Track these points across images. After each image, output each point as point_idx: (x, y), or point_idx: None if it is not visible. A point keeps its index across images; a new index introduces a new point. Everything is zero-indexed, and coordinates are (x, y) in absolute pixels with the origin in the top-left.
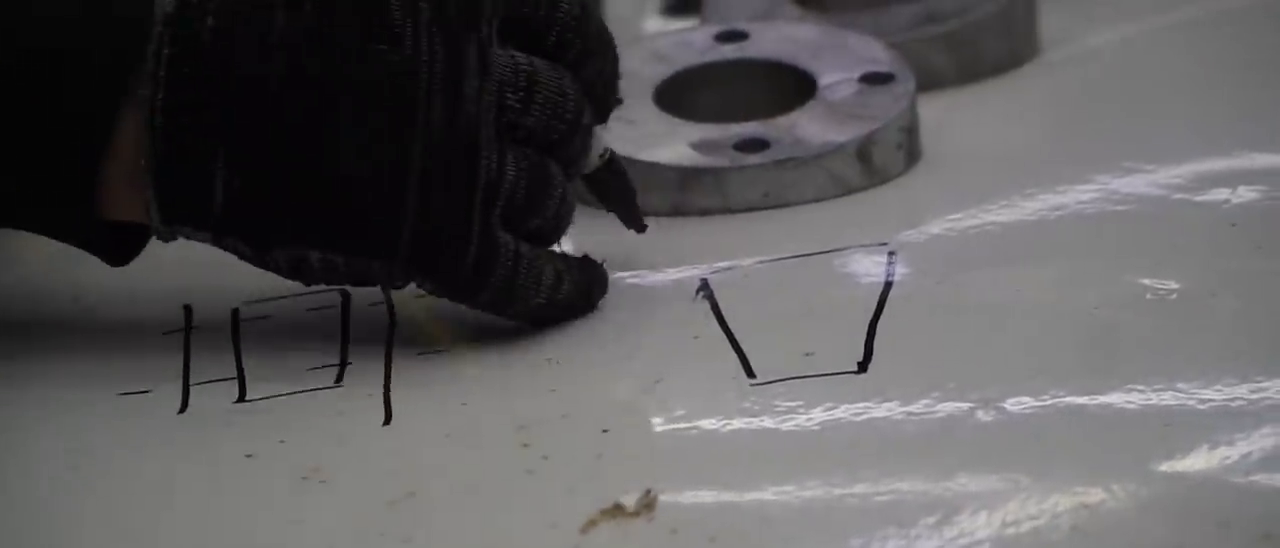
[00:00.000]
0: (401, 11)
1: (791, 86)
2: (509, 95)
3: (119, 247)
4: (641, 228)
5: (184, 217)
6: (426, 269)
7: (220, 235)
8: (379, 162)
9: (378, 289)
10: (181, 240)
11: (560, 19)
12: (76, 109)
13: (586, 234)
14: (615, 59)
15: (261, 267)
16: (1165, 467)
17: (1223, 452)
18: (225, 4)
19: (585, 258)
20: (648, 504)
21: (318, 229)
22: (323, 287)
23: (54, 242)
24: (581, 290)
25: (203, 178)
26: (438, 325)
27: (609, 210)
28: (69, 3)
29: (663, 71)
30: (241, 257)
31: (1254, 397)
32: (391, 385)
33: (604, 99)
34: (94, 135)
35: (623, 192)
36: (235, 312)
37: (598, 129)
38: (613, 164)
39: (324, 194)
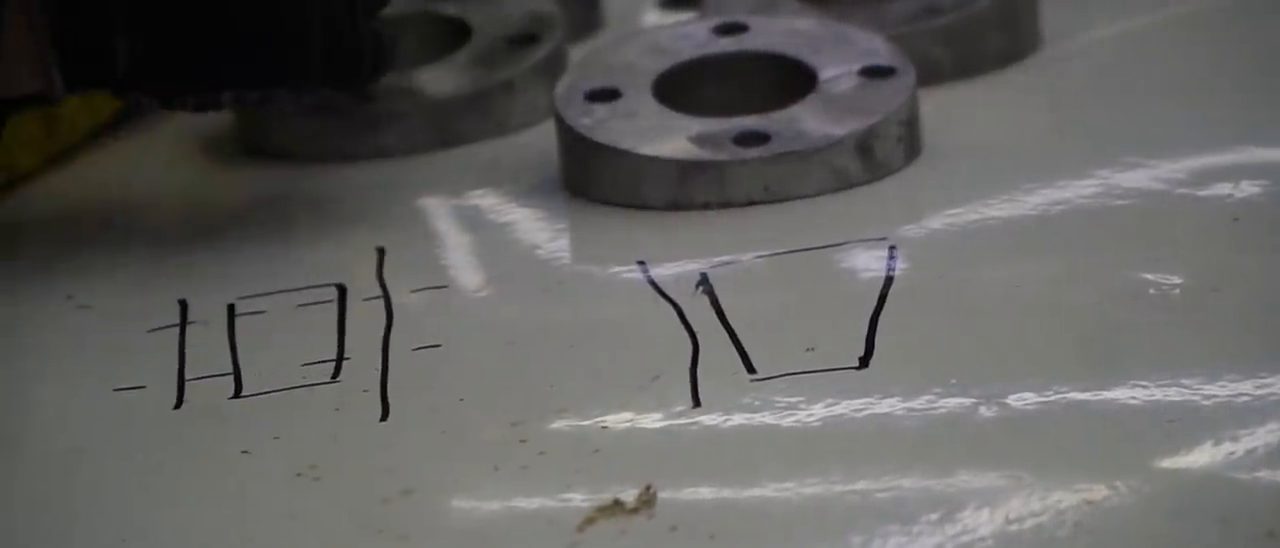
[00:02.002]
0: None
1: (791, 80)
2: None
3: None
4: None
5: (88, 82)
6: (336, 83)
7: (123, 92)
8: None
9: (375, 286)
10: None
11: None
12: None
13: (585, 228)
14: None
15: (165, 109)
16: (1168, 463)
17: (1226, 448)
18: None
19: None
20: (647, 501)
21: (229, 75)
22: (319, 282)
23: (45, 237)
24: None
25: (104, 44)
26: (434, 321)
27: None
28: None
29: (662, 64)
30: (147, 107)
31: (1258, 393)
32: (388, 381)
33: None
34: None
35: None
36: (230, 307)
37: None
38: None
39: (233, 45)
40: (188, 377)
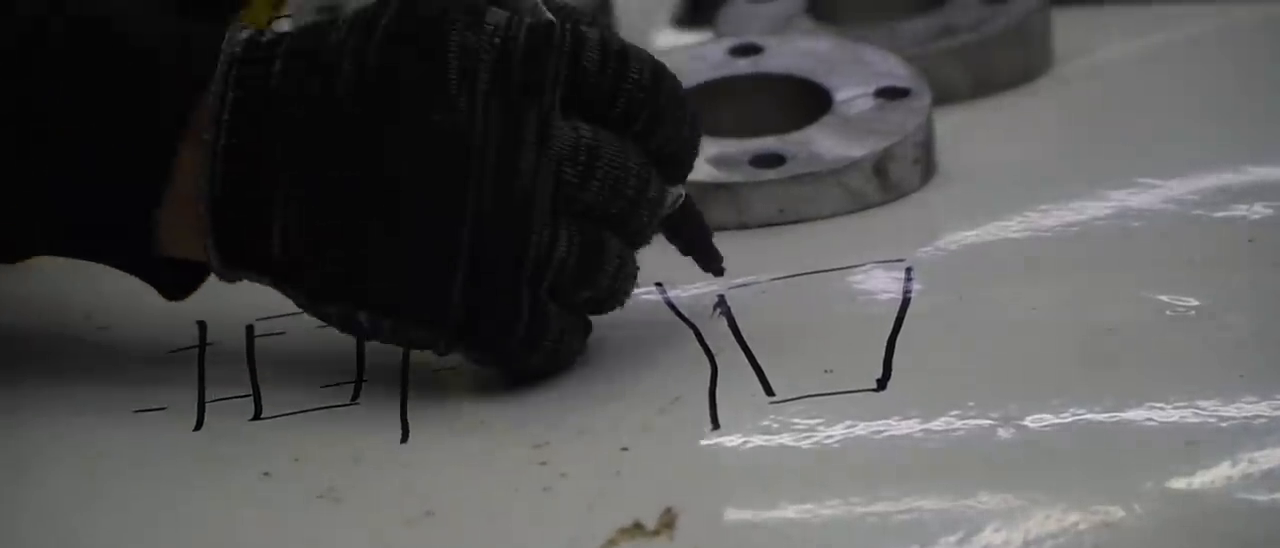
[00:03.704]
0: (459, 79)
1: (807, 101)
2: (567, 169)
3: (180, 281)
4: (720, 271)
5: (242, 262)
6: (474, 341)
7: (278, 282)
8: (429, 231)
9: None
10: None
11: (627, 89)
12: (138, 144)
13: None
14: (693, 124)
15: (315, 316)
16: (1186, 485)
17: (1244, 469)
18: (294, 50)
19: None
20: (667, 523)
21: (367, 291)
22: None
23: (65, 261)
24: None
25: (260, 225)
26: None
27: (684, 254)
28: (146, 34)
29: None
30: (298, 304)
31: (1275, 414)
32: (408, 403)
33: (678, 163)
34: (152, 173)
35: (696, 236)
36: (250, 328)
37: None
38: (686, 209)
39: (374, 257)
40: (208, 399)
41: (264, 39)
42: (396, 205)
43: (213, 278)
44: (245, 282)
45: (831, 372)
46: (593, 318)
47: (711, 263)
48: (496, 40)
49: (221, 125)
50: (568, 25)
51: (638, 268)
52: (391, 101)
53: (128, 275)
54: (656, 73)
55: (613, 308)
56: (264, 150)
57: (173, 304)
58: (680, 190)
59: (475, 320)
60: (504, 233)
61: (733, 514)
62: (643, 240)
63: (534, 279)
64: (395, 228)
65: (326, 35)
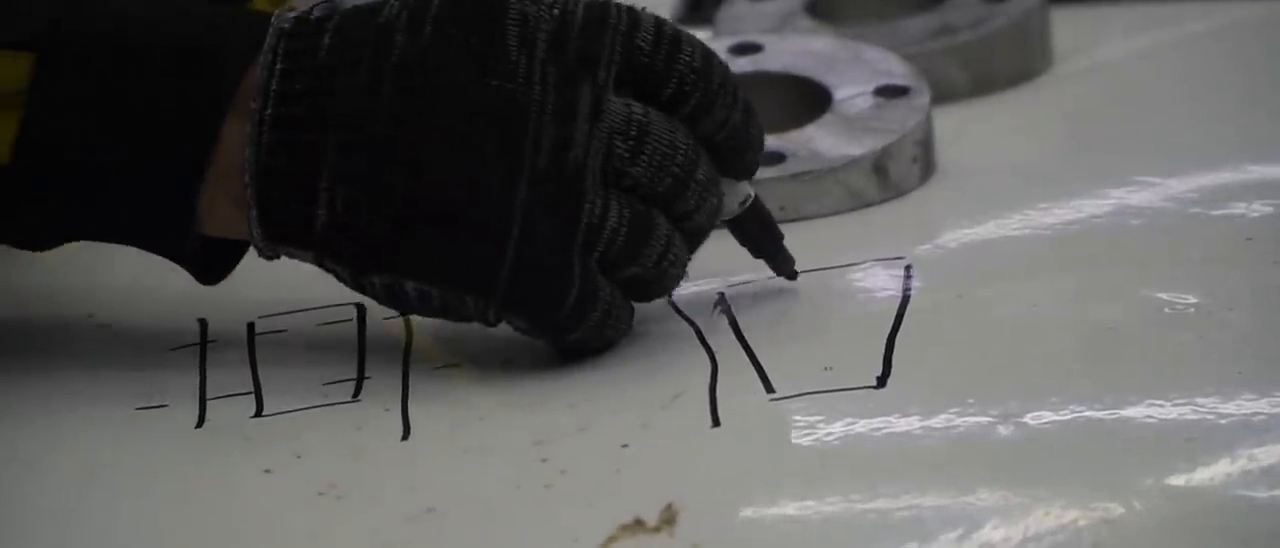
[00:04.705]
0: (518, 46)
1: (807, 99)
2: (618, 143)
3: (213, 264)
4: (792, 275)
5: (285, 235)
6: (524, 308)
7: (321, 256)
8: (483, 195)
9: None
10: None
11: (679, 70)
12: (182, 119)
13: None
14: (746, 110)
15: (357, 290)
16: (1185, 482)
17: (1243, 466)
18: (345, 23)
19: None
20: (668, 519)
21: (416, 258)
22: (339, 301)
23: (66, 257)
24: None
25: (306, 197)
26: (454, 340)
27: (755, 257)
28: (191, 13)
29: None
30: (339, 279)
31: (1274, 411)
32: (409, 400)
33: (734, 151)
34: (197, 148)
35: (766, 238)
36: (251, 326)
37: (735, 181)
38: (755, 210)
39: (425, 223)
40: (209, 396)
41: (314, 15)
42: (448, 171)
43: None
44: (245, 279)
45: (831, 369)
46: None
47: (783, 266)
48: (555, 11)
49: (269, 95)
50: (624, 5)
51: (688, 257)
52: (447, 68)
53: (129, 273)
54: (707, 57)
55: (660, 293)
56: (312, 120)
57: (174, 301)
58: (749, 191)
59: (525, 289)
60: (557, 201)
61: (733, 511)
62: (692, 226)
63: (585, 248)
64: (445, 193)
65: (379, 10)
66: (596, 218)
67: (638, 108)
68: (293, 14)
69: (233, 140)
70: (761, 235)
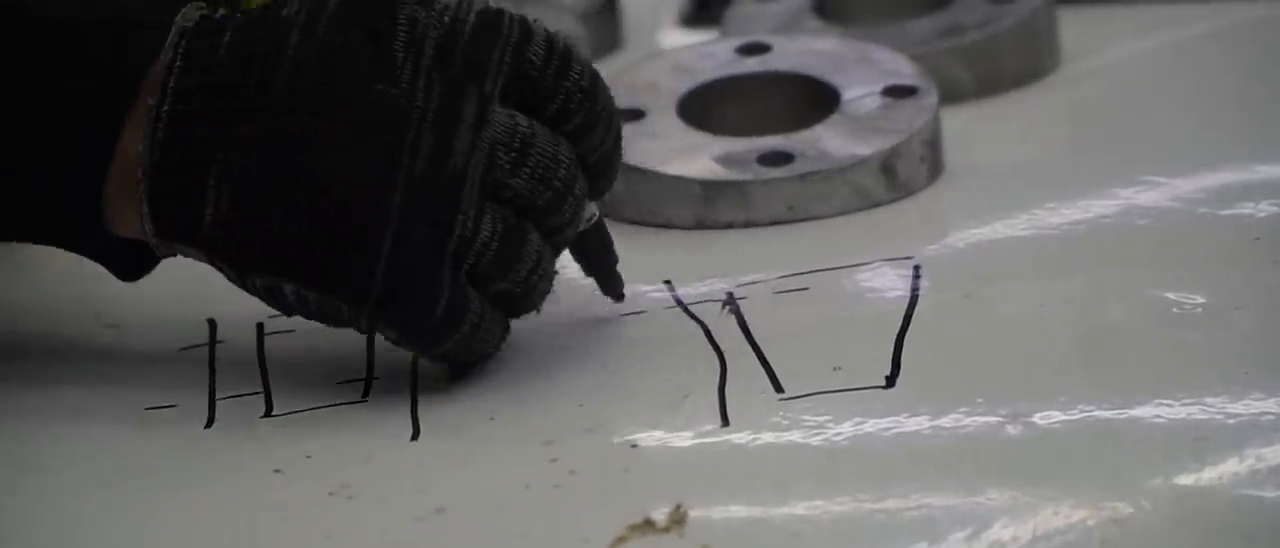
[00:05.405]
0: (405, 51)
1: (815, 99)
2: (501, 154)
3: (131, 262)
4: (619, 297)
5: (176, 232)
6: (394, 317)
7: (209, 255)
8: (359, 200)
9: None
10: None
11: (567, 87)
12: (85, 117)
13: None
14: (618, 136)
15: (243, 289)
16: (1193, 481)
17: (1251, 466)
18: (248, 21)
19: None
20: (677, 520)
21: (293, 262)
22: None
23: (73, 258)
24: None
25: (194, 193)
26: None
27: (588, 275)
28: (96, 5)
29: (686, 84)
30: (228, 278)
31: None
32: (418, 401)
33: (601, 174)
34: (99, 145)
35: (603, 257)
36: (260, 326)
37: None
38: (598, 230)
39: (302, 225)
40: (218, 396)
41: (218, 15)
42: (328, 174)
43: (216, 274)
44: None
45: (840, 369)
46: (602, 319)
47: (613, 289)
48: (446, 19)
49: (166, 91)
50: (516, 16)
51: (556, 273)
52: (336, 71)
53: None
54: (595, 79)
55: (527, 309)
56: (205, 116)
57: (182, 301)
58: (594, 210)
59: (396, 296)
60: (432, 209)
61: (743, 511)
62: (562, 241)
63: (456, 259)
64: (325, 196)
65: (279, 9)
66: (469, 230)
67: (522, 120)
68: (200, 11)
69: (134, 140)
70: (600, 254)
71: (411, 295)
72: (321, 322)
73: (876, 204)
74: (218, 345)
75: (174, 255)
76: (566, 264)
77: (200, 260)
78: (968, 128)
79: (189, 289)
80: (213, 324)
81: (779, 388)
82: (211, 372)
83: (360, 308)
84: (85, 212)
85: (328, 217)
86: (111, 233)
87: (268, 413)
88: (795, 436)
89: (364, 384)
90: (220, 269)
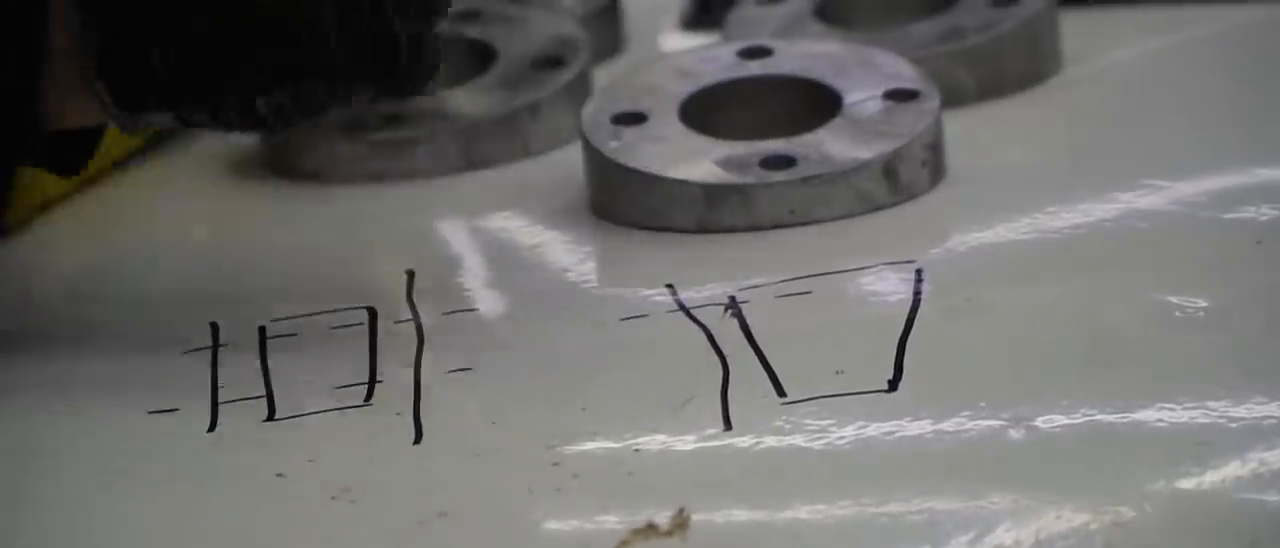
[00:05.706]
0: None
1: (817, 103)
2: None
3: (68, 159)
4: None
5: (139, 101)
6: (374, 80)
7: (175, 105)
8: None
9: (405, 309)
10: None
11: None
12: (9, 18)
13: (613, 251)
14: None
15: (221, 128)
16: (1196, 485)
17: (1254, 469)
18: None
19: None
20: (680, 523)
21: (256, 78)
22: (349, 304)
23: (73, 259)
24: None
25: (143, 56)
26: (465, 344)
27: None
28: None
29: (688, 88)
30: (199, 125)
31: None
32: (421, 404)
33: None
34: (31, 36)
35: None
36: (262, 329)
37: None
38: None
39: (252, 44)
40: (221, 400)
41: None
42: None
43: (223, 277)
44: (255, 282)
45: (843, 373)
46: (604, 323)
47: None
48: None
49: None
50: None
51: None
52: None
53: (140, 277)
54: None
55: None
56: None
57: (185, 304)
58: None
59: (364, 64)
60: None
61: (745, 515)
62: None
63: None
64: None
65: None
66: None
67: None
68: None
69: (61, 25)
70: None
71: (384, 60)
72: (300, 123)
73: (878, 208)
74: (220, 349)
75: (140, 128)
76: (567, 267)
77: (169, 124)
78: (970, 131)
79: (192, 292)
80: (215, 327)
81: (781, 392)
82: (214, 375)
83: (334, 81)
84: (22, 111)
85: (268, 23)
86: (50, 129)
87: (270, 417)
88: (798, 439)
89: (367, 388)
90: (188, 120)
